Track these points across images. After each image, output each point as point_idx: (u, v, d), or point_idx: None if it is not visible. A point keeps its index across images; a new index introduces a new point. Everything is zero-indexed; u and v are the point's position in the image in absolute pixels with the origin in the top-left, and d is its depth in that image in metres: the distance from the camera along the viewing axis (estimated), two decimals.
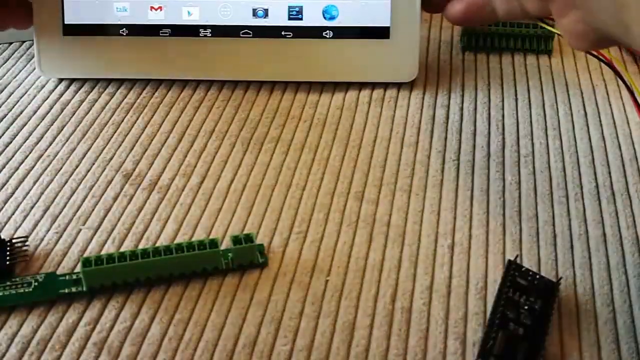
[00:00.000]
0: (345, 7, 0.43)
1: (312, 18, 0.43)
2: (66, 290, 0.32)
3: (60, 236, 0.35)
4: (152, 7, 0.43)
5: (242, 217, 0.36)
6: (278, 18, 0.43)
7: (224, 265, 0.33)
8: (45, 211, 0.36)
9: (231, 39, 0.43)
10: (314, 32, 0.43)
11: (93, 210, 0.37)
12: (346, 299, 0.32)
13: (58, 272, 0.33)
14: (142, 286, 0.32)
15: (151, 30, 0.43)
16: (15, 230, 0.35)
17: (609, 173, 0.38)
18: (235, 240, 0.33)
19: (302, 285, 0.33)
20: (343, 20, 0.43)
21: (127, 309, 0.31)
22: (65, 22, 0.43)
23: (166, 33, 0.43)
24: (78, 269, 0.33)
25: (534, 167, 0.39)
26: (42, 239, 0.35)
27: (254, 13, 0.43)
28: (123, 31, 0.43)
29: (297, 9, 0.43)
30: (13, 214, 0.36)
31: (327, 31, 0.43)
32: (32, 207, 0.37)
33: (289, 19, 0.43)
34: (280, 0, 0.43)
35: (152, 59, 0.44)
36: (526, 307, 0.29)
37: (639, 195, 0.37)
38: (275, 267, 0.33)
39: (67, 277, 0.32)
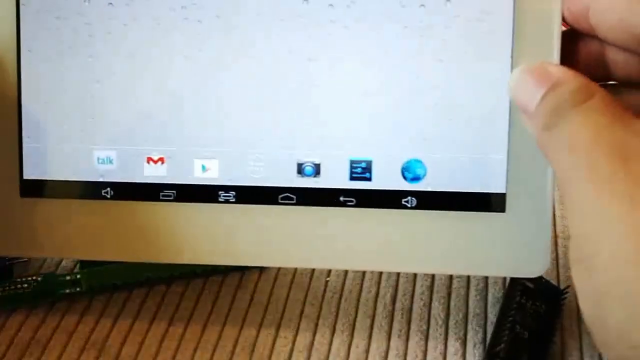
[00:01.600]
0: (436, 164, 0.28)
1: (386, 178, 0.29)
2: (66, 291, 0.32)
3: None
4: (149, 159, 0.29)
5: None
6: (335, 178, 0.29)
7: (223, 266, 0.33)
8: None
9: (266, 207, 0.29)
10: (389, 199, 0.29)
11: None
12: (346, 300, 0.32)
13: (58, 273, 0.33)
14: (142, 286, 0.32)
15: (148, 191, 0.29)
16: None
17: None
18: None
19: (302, 285, 0.32)
20: (433, 182, 0.28)
21: (127, 309, 0.31)
22: (25, 177, 0.30)
23: (170, 196, 0.29)
24: (77, 269, 0.33)
25: None
26: None
27: (300, 170, 0.29)
28: (107, 192, 0.30)
29: (363, 165, 0.29)
30: None
31: (409, 198, 0.28)
32: None
33: (352, 179, 0.29)
34: (339, 152, 0.29)
35: (149, 234, 0.30)
36: (532, 311, 0.29)
37: None
38: (276, 267, 0.33)
39: (67, 277, 0.32)
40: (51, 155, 0.30)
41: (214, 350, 0.30)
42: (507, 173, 0.28)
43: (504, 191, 0.28)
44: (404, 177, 0.29)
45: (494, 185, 0.28)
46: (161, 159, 0.29)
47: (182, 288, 0.32)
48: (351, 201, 0.29)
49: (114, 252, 0.30)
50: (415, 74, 0.28)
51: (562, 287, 0.31)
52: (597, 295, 0.21)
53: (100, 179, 0.30)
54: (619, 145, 0.21)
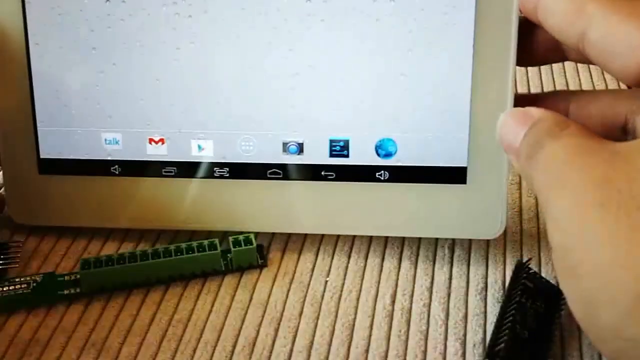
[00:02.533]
0: (406, 142, 0.32)
1: (361, 155, 0.32)
2: (65, 292, 0.32)
3: (61, 236, 0.35)
4: (151, 139, 0.33)
5: None
6: (316, 155, 0.33)
7: (222, 267, 0.33)
8: None
9: (255, 182, 0.33)
10: (364, 174, 0.32)
11: None
12: (346, 300, 0.32)
13: (57, 273, 0.33)
14: (141, 287, 0.32)
15: (151, 168, 0.33)
16: (14, 230, 0.35)
17: None
18: (235, 242, 0.33)
19: (301, 286, 0.32)
20: (403, 158, 0.32)
21: (127, 310, 0.31)
22: (41, 157, 0.34)
23: (170, 172, 0.33)
24: (77, 269, 0.33)
25: None
26: (41, 239, 0.35)
27: (285, 148, 0.33)
28: (115, 169, 0.34)
29: (341, 144, 0.32)
30: None
31: (382, 172, 0.32)
32: None
33: (331, 155, 0.32)
34: (320, 132, 0.32)
35: (152, 205, 0.34)
36: (532, 311, 0.29)
37: None
38: (275, 267, 0.33)
39: (66, 277, 0.32)
40: (64, 137, 0.33)
41: (214, 351, 0.30)
42: (468, 149, 0.32)
43: (465, 165, 0.32)
44: (378, 154, 0.32)
45: (456, 160, 0.32)
46: (162, 140, 0.33)
47: (181, 288, 0.32)
48: (331, 175, 0.33)
49: (121, 221, 0.34)
50: (387, 62, 0.31)
51: None
52: (587, 300, 0.22)
53: (109, 158, 0.33)
54: (587, 161, 0.23)
